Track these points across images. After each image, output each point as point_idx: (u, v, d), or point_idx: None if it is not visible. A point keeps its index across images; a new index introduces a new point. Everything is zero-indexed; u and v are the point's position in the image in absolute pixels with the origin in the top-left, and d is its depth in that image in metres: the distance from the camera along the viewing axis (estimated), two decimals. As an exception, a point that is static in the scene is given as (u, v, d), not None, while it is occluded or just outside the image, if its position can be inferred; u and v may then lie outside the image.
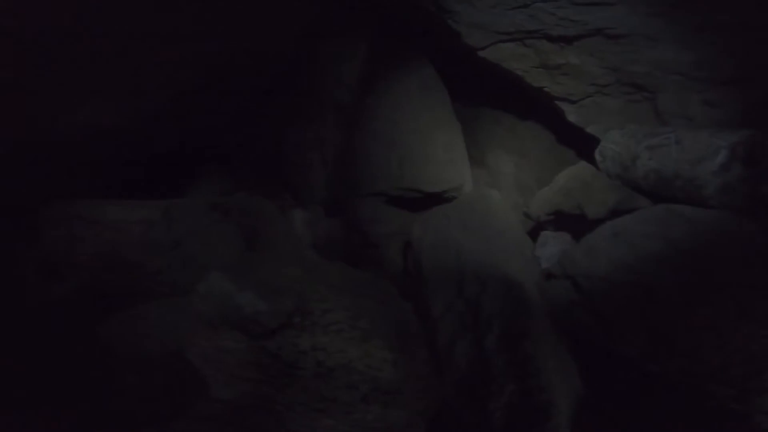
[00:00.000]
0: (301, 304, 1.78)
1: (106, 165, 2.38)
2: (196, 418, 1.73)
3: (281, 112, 3.03)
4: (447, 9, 2.89)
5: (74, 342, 1.75)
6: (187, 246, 1.84)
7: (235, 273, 1.65)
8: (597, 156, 2.37)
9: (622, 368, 2.18)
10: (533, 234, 2.80)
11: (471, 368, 2.17)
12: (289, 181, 2.88)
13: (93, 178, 2.35)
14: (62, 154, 2.12)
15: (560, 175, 2.52)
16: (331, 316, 1.83)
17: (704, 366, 1.94)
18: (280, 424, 1.72)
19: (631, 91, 2.46)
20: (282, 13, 2.97)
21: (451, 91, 3.37)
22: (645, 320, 2.10)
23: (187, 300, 1.60)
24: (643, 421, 2.06)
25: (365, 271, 2.65)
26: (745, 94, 2.00)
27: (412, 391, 1.92)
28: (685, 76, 2.16)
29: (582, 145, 2.83)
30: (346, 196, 3.01)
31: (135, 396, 1.74)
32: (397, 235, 2.90)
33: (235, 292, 1.57)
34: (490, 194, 2.68)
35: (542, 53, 2.72)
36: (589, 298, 2.28)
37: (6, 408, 1.58)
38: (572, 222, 2.45)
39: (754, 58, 1.93)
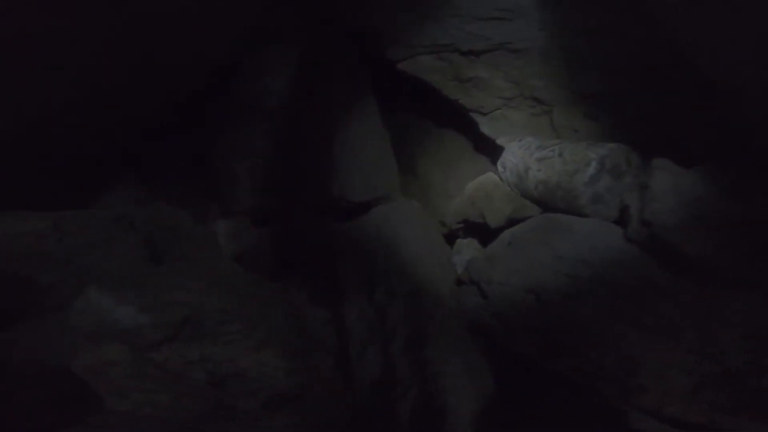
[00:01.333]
0: (192, 316, 1.83)
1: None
2: (94, 429, 1.77)
3: (207, 119, 3.07)
4: (369, 22, 2.99)
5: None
6: (82, 259, 1.86)
7: (118, 287, 1.69)
8: (499, 167, 2.49)
9: (525, 368, 2.30)
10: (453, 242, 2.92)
11: (380, 374, 2.27)
12: (215, 191, 2.91)
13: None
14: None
15: (468, 185, 2.63)
16: (226, 327, 1.89)
17: (588, 364, 2.06)
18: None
19: (533, 104, 2.59)
20: (212, 18, 3.01)
21: (382, 100, 3.46)
22: (537, 322, 2.22)
23: (65, 315, 1.63)
24: (545, 419, 2.16)
25: (284, 282, 2.72)
26: (617, 108, 2.14)
27: (317, 398, 1.99)
28: (570, 90, 2.29)
29: (497, 155, 2.95)
30: (273, 207, 3.05)
31: (26, 412, 1.77)
32: (325, 246, 2.96)
33: (113, 307, 1.61)
34: (408, 204, 2.78)
35: (455, 66, 2.84)
36: (491, 302, 2.40)
37: None
38: (479, 230, 2.56)
39: (625, 72, 2.07)
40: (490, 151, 2.97)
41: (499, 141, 2.73)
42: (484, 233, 2.56)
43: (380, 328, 2.41)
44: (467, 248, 2.64)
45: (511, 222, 2.33)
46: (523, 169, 2.30)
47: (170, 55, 2.87)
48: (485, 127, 2.84)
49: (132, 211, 2.18)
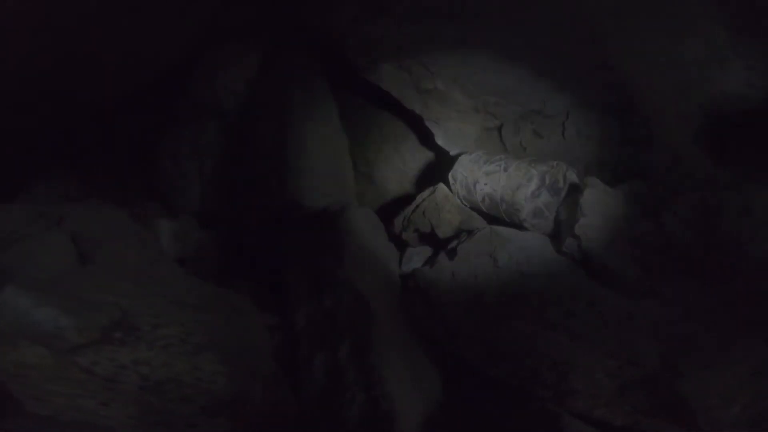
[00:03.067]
0: (124, 319, 1.76)
1: None
2: None
3: (156, 116, 2.96)
4: (330, 28, 3.00)
5: None
6: (1, 258, 1.74)
7: (38, 287, 1.60)
8: (450, 179, 2.57)
9: (471, 373, 2.36)
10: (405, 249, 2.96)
11: (328, 380, 2.26)
12: (160, 190, 2.80)
13: None
14: None
15: (419, 195, 2.70)
16: (161, 331, 1.83)
17: (524, 370, 2.16)
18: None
19: (487, 118, 2.70)
20: (164, 13, 2.90)
21: (343, 106, 3.48)
22: (478, 329, 2.30)
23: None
24: (490, 423, 2.23)
25: (230, 286, 2.66)
26: (563, 127, 2.29)
27: (258, 403, 1.96)
28: (522, 106, 2.42)
29: (451, 167, 3.04)
30: (223, 208, 2.99)
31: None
32: (274, 250, 2.92)
33: (31, 308, 1.53)
34: (360, 210, 2.80)
35: (415, 77, 2.91)
36: (437, 310, 2.46)
37: None
38: (429, 239, 2.63)
39: (569, 91, 2.21)
40: (446, 159, 3.06)
41: (453, 153, 2.82)
42: (433, 243, 2.62)
43: (328, 333, 2.41)
44: (417, 256, 2.69)
45: (459, 233, 2.42)
46: (471, 182, 2.39)
47: (117, 48, 2.76)
48: (440, 139, 2.93)
49: (61, 208, 2.07)
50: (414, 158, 3.34)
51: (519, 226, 2.17)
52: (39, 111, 2.50)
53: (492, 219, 2.38)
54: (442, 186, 2.60)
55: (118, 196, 2.60)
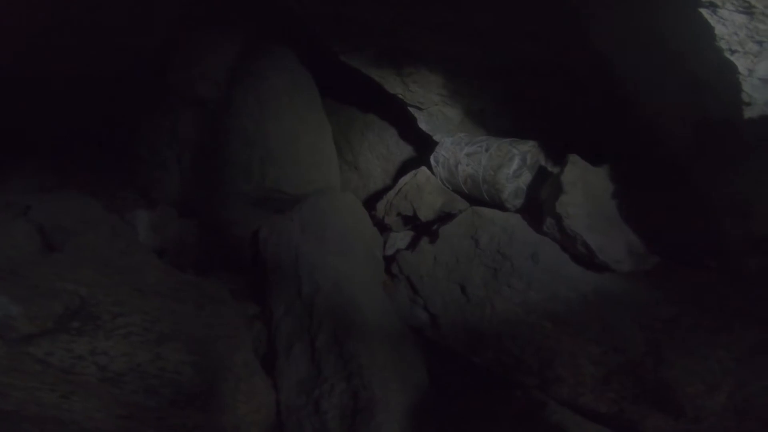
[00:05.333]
0: (82, 308, 1.68)
1: None
2: None
3: (133, 105, 2.86)
4: (312, 11, 2.90)
5: None
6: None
7: (-7, 275, 1.51)
8: (432, 161, 2.49)
9: (456, 361, 2.29)
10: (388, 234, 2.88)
11: (307, 369, 2.19)
12: (138, 180, 2.71)
13: None
14: None
15: (401, 179, 2.62)
16: (122, 320, 1.75)
17: (509, 357, 2.09)
18: (81, 432, 1.61)
19: (468, 102, 2.61)
20: (143, 2, 2.82)
21: (329, 94, 3.39)
22: (462, 316, 2.22)
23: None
24: (476, 411, 2.16)
25: (209, 275, 2.58)
26: (544, 108, 2.20)
27: (231, 396, 1.88)
28: (502, 89, 2.33)
29: (433, 150, 2.96)
30: (203, 196, 2.90)
31: None
32: (253, 238, 2.84)
33: (-20, 296, 1.44)
34: (342, 196, 2.72)
35: (397, 61, 2.81)
36: (421, 295, 2.39)
37: None
38: (411, 223, 2.55)
39: (550, 74, 2.13)
40: (428, 145, 2.98)
41: (436, 137, 2.73)
42: (416, 226, 2.55)
43: (307, 322, 2.34)
44: (401, 241, 2.62)
45: (441, 215, 2.34)
46: (453, 164, 2.31)
47: (93, 36, 2.66)
48: (423, 124, 2.84)
49: (30, 198, 1.99)
50: (398, 144, 3.26)
51: (501, 206, 2.09)
52: (12, 102, 2.42)
53: (474, 201, 2.30)
54: (423, 169, 2.52)
55: (94, 187, 2.52)
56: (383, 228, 2.71)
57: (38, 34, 2.37)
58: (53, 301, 1.56)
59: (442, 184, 2.44)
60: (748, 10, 1.12)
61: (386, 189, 3.37)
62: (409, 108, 2.89)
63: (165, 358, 1.73)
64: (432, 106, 2.77)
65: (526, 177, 1.99)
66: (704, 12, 1.15)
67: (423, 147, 3.16)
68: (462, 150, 2.26)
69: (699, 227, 1.56)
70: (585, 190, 1.66)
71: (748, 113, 1.19)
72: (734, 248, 1.37)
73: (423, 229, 2.43)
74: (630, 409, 1.83)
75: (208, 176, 2.92)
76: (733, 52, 1.14)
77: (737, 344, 1.69)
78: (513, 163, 1.99)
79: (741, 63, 1.14)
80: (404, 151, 3.23)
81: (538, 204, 1.84)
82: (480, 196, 2.20)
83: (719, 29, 1.14)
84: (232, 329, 2.08)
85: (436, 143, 2.85)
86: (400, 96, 2.86)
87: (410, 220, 2.54)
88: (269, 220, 2.68)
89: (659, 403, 1.77)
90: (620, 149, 1.87)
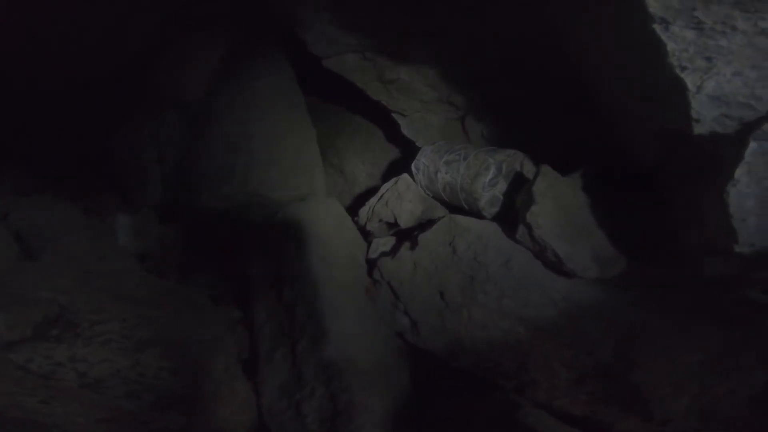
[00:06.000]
0: (61, 316, 1.70)
1: None
2: None
3: (113, 107, 2.86)
4: (295, 17, 2.93)
5: None
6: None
7: (-29, 284, 1.53)
8: (413, 169, 2.54)
9: (437, 364, 2.33)
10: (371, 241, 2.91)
11: (288, 374, 2.21)
12: (118, 183, 2.72)
13: None
14: None
15: (383, 186, 2.66)
16: (101, 327, 1.78)
17: (487, 361, 2.13)
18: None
19: (449, 108, 2.66)
20: (127, 5, 2.82)
21: (314, 98, 3.41)
22: (441, 321, 2.26)
23: None
24: (456, 415, 2.20)
25: (191, 281, 2.60)
26: (521, 116, 2.25)
27: (211, 400, 1.91)
28: (481, 97, 2.37)
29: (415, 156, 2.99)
30: (185, 200, 2.91)
31: None
32: (236, 243, 2.86)
33: (-42, 305, 1.46)
34: (325, 202, 2.75)
35: (379, 67, 2.85)
36: (402, 301, 2.42)
37: None
38: (393, 230, 2.59)
39: (528, 83, 2.18)
40: (412, 150, 3.01)
41: (419, 143, 2.78)
42: (397, 233, 2.58)
43: (288, 327, 2.36)
44: (383, 247, 2.65)
45: (422, 222, 2.38)
46: (433, 172, 2.35)
47: (76, 39, 2.66)
48: (406, 130, 2.88)
49: (7, 203, 2.00)
50: (384, 148, 3.30)
51: (478, 214, 2.14)
52: None
53: (453, 208, 2.34)
54: (405, 176, 2.56)
55: (74, 191, 2.52)
56: (366, 234, 2.74)
57: (15, 37, 2.37)
58: (32, 310, 1.58)
59: (423, 192, 2.48)
60: (698, 26, 1.16)
61: (371, 192, 3.40)
62: (392, 114, 2.92)
63: (144, 364, 1.76)
64: (414, 113, 2.81)
65: (502, 186, 2.04)
66: (657, 28, 1.19)
67: (408, 152, 3.20)
68: (441, 158, 2.30)
69: (664, 235, 1.61)
70: (555, 200, 1.71)
71: (698, 129, 1.23)
72: (694, 256, 1.42)
73: (404, 236, 2.47)
74: (602, 412, 1.88)
75: (190, 180, 2.93)
76: (683, 68, 1.18)
77: (703, 348, 1.75)
78: (489, 173, 2.03)
79: (690, 79, 1.18)
80: (390, 155, 3.27)
81: (515, 212, 1.88)
82: (459, 203, 2.25)
83: (670, 45, 1.19)
84: (213, 334, 2.10)
85: (419, 149, 2.90)
86: (383, 102, 2.90)
87: (392, 227, 2.58)
88: (252, 225, 2.70)
89: (629, 406, 1.82)
90: (593, 157, 1.92)
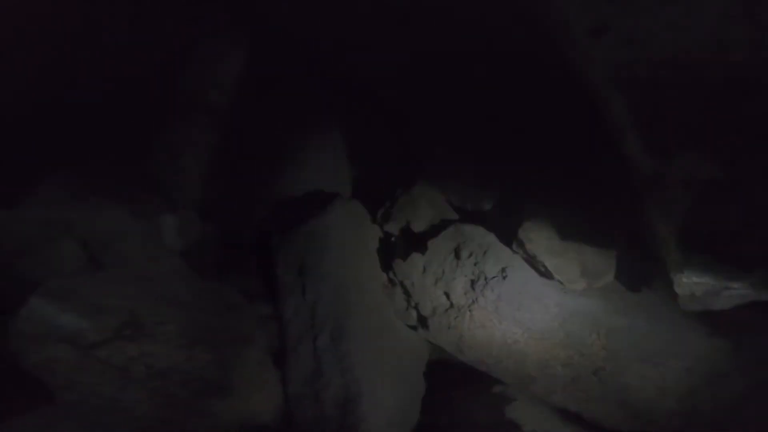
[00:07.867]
0: (132, 319, 2.06)
1: None
2: (43, 417, 2.01)
3: (151, 111, 3.04)
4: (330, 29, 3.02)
5: None
6: (18, 265, 2.05)
7: (58, 295, 1.88)
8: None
9: (445, 360, 2.56)
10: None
11: (311, 366, 2.52)
12: (159, 185, 2.94)
13: None
14: None
15: (398, 190, 2.84)
16: (162, 328, 2.14)
17: (491, 358, 2.34)
18: (131, 418, 2.03)
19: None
20: (162, 11, 2.94)
21: (342, 107, 3.50)
22: (447, 319, 2.47)
23: (11, 322, 1.83)
24: (458, 407, 2.44)
25: (229, 277, 2.92)
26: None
27: (245, 387, 2.25)
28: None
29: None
30: (220, 202, 3.15)
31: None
32: (265, 241, 3.12)
33: (56, 314, 1.82)
34: (346, 205, 2.96)
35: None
36: (414, 301, 2.64)
37: None
38: (406, 233, 2.78)
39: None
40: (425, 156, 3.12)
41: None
42: (411, 236, 2.78)
43: (311, 324, 2.65)
44: (398, 249, 2.85)
45: (433, 227, 2.57)
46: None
47: (113, 44, 2.78)
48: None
49: (68, 212, 2.31)
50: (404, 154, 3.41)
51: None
52: (35, 112, 2.61)
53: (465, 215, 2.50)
54: (419, 182, 2.73)
55: (119, 193, 2.66)
56: (384, 235, 2.95)
57: (56, 45, 2.50)
58: (111, 316, 1.95)
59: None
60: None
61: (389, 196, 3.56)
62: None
63: (196, 358, 2.11)
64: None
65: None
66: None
67: (420, 158, 3.31)
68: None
69: (647, 250, 1.72)
70: (546, 216, 1.84)
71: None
72: (671, 272, 1.53)
73: (417, 239, 2.67)
74: (594, 409, 2.06)
75: (225, 181, 3.12)
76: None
77: (687, 354, 1.87)
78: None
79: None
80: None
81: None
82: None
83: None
84: (248, 331, 2.42)
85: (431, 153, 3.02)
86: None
87: (407, 230, 2.77)
88: (280, 226, 2.95)
89: (619, 404, 1.98)
90: (588, 173, 2.02)
